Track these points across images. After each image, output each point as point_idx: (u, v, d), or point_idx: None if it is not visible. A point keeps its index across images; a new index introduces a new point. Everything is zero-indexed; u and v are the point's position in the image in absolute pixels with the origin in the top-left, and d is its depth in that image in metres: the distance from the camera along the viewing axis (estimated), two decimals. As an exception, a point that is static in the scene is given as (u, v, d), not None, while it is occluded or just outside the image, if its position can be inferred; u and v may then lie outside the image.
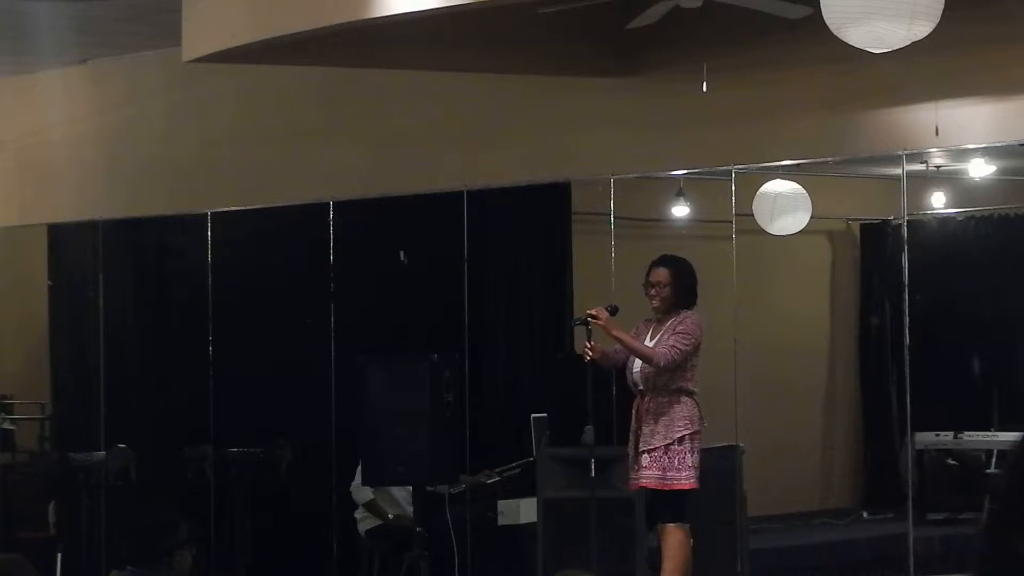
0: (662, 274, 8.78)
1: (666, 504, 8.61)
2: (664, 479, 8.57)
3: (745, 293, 10.33)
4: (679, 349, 8.58)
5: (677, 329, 8.64)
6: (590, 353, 8.64)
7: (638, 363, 8.71)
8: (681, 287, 8.77)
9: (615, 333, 8.67)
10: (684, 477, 8.56)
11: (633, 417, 8.74)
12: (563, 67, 10.60)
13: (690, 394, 8.67)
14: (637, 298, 8.95)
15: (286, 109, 11.96)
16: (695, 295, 8.83)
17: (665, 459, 8.55)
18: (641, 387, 8.72)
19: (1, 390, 13.11)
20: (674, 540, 8.60)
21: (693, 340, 8.64)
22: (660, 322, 8.79)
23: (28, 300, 13.54)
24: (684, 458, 8.55)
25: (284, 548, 11.68)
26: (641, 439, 8.61)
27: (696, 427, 8.61)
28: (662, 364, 8.56)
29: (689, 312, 8.76)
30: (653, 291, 8.78)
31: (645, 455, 8.58)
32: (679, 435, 8.56)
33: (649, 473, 8.59)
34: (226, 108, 12.26)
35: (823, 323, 12.64)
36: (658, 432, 8.58)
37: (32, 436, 13.13)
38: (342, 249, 11.69)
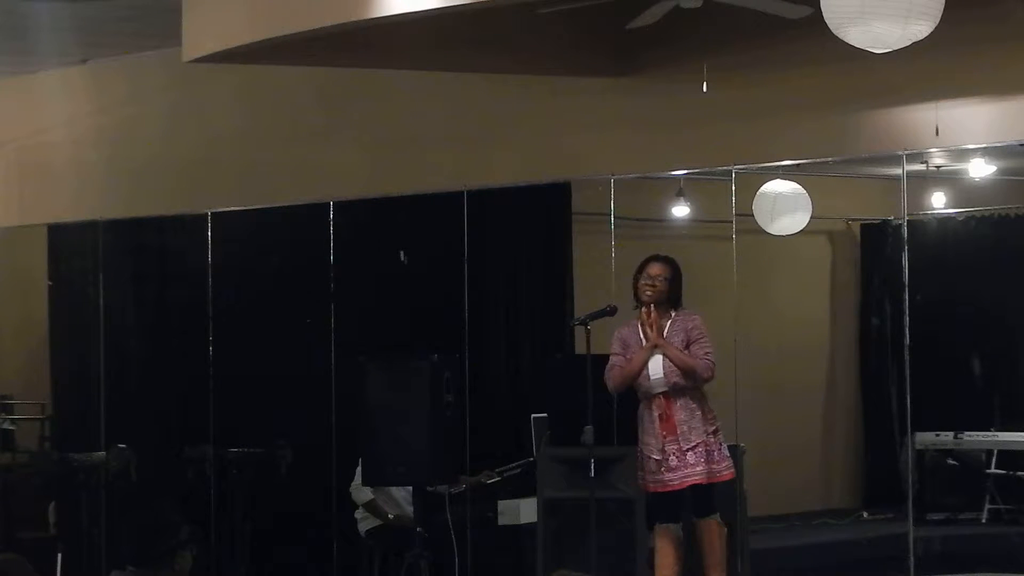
0: (662, 268, 8.96)
1: (710, 497, 8.83)
2: (711, 472, 8.78)
3: (745, 293, 10.32)
4: (710, 352, 8.81)
5: (693, 336, 8.84)
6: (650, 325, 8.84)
7: (660, 368, 8.82)
8: (676, 285, 8.97)
9: (671, 352, 8.79)
10: (725, 468, 8.85)
11: (656, 421, 8.81)
12: (563, 67, 10.60)
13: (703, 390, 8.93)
14: (637, 298, 8.96)
15: (286, 109, 11.96)
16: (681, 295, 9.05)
17: (707, 453, 8.77)
18: (663, 390, 8.83)
19: (1, 390, 13.11)
20: (715, 534, 8.87)
21: (710, 340, 8.87)
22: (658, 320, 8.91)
23: (28, 300, 13.53)
24: (721, 449, 8.84)
25: (284, 548, 11.67)
26: (680, 438, 8.74)
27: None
28: (707, 376, 8.80)
29: (691, 313, 8.96)
30: (649, 282, 8.92)
31: (689, 453, 8.74)
32: (713, 428, 8.83)
33: (698, 469, 8.76)
34: (226, 108, 12.25)
35: (823, 323, 12.62)
36: (695, 428, 8.77)
37: (32, 436, 13.13)
38: (342, 249, 11.69)
